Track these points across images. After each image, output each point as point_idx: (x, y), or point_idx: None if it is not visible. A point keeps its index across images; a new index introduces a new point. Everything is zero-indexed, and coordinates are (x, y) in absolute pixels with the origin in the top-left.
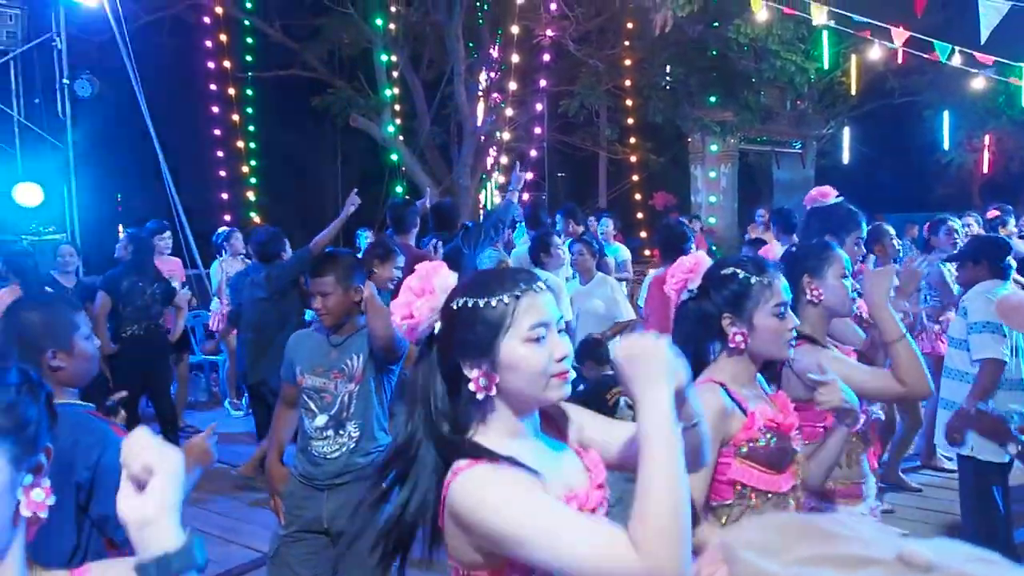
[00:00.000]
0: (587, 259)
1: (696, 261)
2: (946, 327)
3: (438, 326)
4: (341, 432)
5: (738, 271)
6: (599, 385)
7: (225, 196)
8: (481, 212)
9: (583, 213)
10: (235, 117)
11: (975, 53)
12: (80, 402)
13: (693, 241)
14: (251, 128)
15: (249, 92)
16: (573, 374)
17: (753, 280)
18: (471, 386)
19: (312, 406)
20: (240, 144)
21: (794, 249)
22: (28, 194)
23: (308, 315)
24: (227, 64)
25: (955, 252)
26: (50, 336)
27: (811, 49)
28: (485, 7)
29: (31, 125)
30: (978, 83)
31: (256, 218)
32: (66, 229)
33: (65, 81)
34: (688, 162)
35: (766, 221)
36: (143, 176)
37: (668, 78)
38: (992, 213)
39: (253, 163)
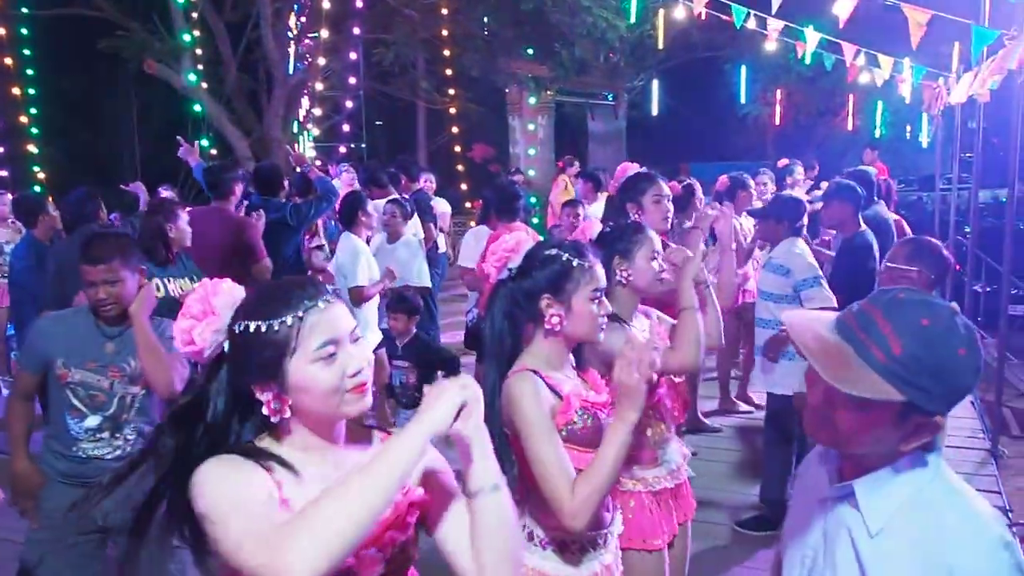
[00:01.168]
0: (397, 220)
1: (517, 240)
2: (744, 279)
3: (227, 346)
4: (117, 435)
5: (561, 253)
6: (428, 349)
7: (1, 150)
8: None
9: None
10: (7, 60)
11: (766, 18)
12: None
13: (522, 199)
14: (29, 72)
15: (24, 31)
16: (370, 386)
17: (575, 263)
18: (264, 410)
19: (79, 405)
20: (16, 90)
21: (607, 230)
22: None
23: None
24: None
25: (756, 208)
26: None
27: (621, 4)
28: None
29: None
30: (770, 45)
31: (39, 173)
32: None
33: None
34: (506, 113)
35: (565, 169)
36: None
37: (485, 30)
38: (783, 162)
39: (33, 111)
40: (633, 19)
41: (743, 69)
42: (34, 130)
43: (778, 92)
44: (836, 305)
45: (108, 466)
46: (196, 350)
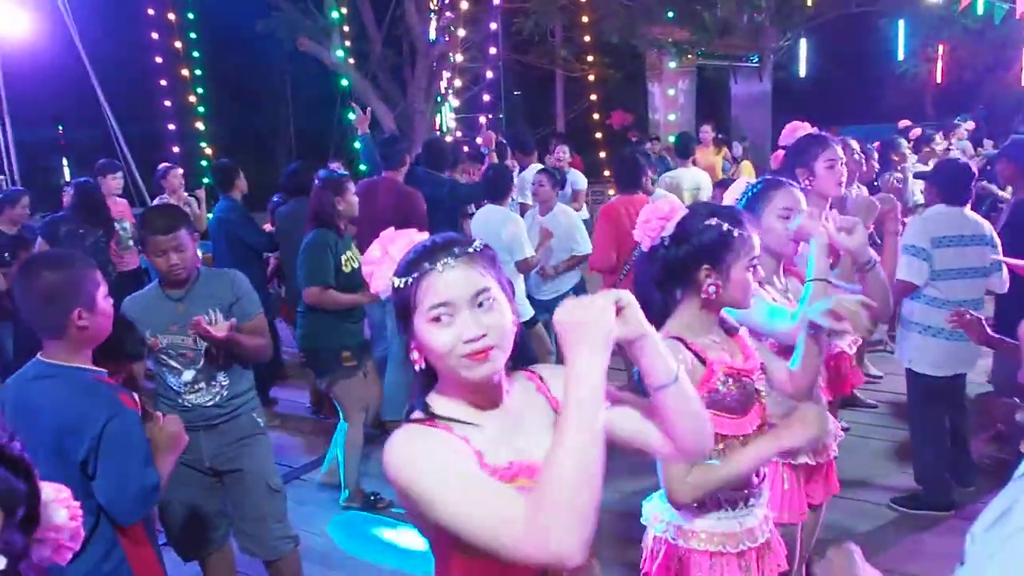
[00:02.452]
0: (547, 190)
1: (672, 207)
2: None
3: None
4: (213, 383)
5: (721, 222)
6: None
7: (172, 127)
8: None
9: (533, 139)
10: (177, 44)
11: None
12: (92, 367)
13: (648, 170)
14: (195, 54)
15: (190, 16)
16: (499, 352)
17: (735, 233)
18: (412, 355)
19: (174, 364)
20: (185, 72)
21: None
22: None
23: None
24: None
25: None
26: (76, 294)
27: None
28: None
29: None
30: None
31: (207, 149)
32: (3, 169)
33: None
34: (645, 79)
35: (713, 138)
36: (82, 110)
37: None
38: (903, 123)
39: (200, 91)
40: None
41: (900, 24)
42: (200, 109)
43: (940, 47)
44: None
45: (209, 412)
46: (375, 292)
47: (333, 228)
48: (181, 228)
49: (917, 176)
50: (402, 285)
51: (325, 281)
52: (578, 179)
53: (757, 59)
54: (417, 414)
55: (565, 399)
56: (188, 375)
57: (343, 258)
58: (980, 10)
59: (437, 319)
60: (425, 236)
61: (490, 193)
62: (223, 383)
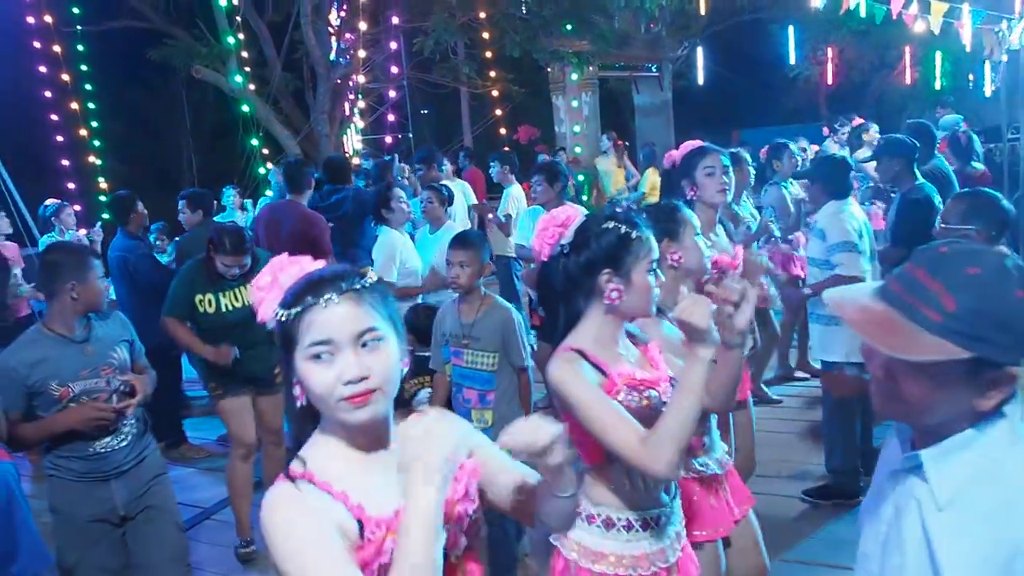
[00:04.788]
0: (435, 207)
1: (568, 215)
2: (795, 246)
3: None
4: (123, 426)
5: (618, 225)
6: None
7: (66, 163)
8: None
9: (443, 154)
10: (65, 76)
11: None
12: None
13: (566, 178)
14: (87, 87)
15: (80, 48)
16: (381, 396)
17: (633, 235)
18: (294, 391)
19: None
20: (75, 105)
21: (647, 213)
22: None
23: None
24: (48, 18)
25: (802, 170)
26: (73, 269)
27: None
28: None
29: None
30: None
31: (103, 183)
32: None
33: None
34: (549, 93)
35: (616, 144)
36: None
37: (523, 9)
38: (857, 121)
39: (94, 124)
40: None
41: (790, 29)
42: (96, 142)
43: (829, 50)
44: (864, 277)
45: (120, 458)
46: (261, 320)
47: (210, 269)
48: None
49: (798, 176)
50: (284, 318)
51: (172, 313)
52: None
53: (656, 69)
54: (296, 466)
55: (404, 524)
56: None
57: (199, 298)
58: (863, 12)
59: (317, 356)
60: (319, 265)
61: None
62: (131, 423)
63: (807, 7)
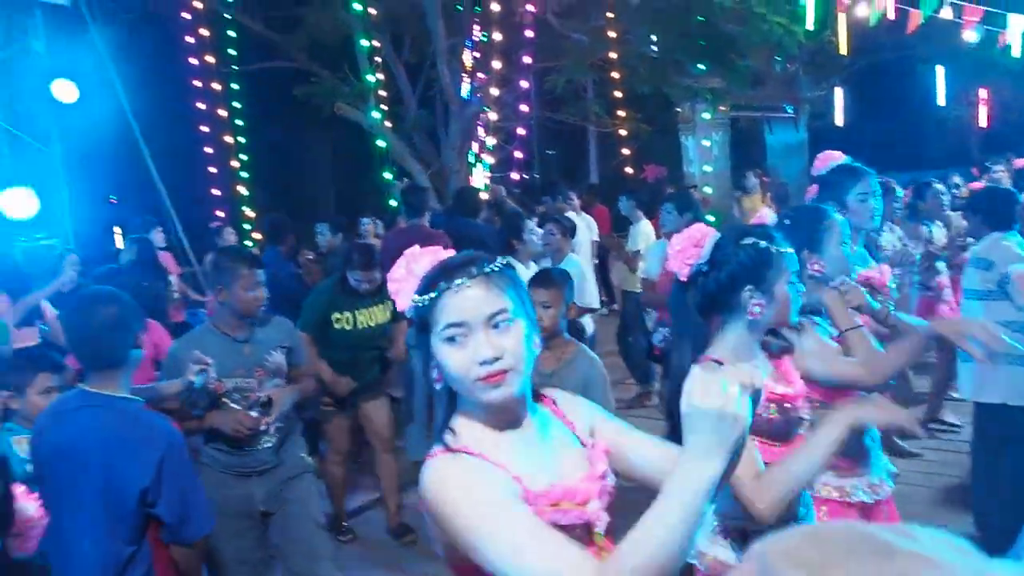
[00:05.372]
0: (558, 239)
1: (703, 233)
2: (939, 288)
3: None
4: (270, 427)
5: (757, 240)
6: None
7: (217, 192)
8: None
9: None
10: (222, 112)
11: (964, 5)
12: (131, 396)
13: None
14: (238, 122)
15: (234, 86)
16: (515, 375)
17: (773, 250)
18: (432, 374)
19: (237, 408)
20: (228, 139)
21: (787, 221)
22: (18, 201)
23: None
24: (210, 59)
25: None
26: (137, 322)
27: (797, 9)
28: None
29: (17, 132)
30: (970, 35)
31: (249, 212)
32: (61, 234)
33: (48, 86)
34: (678, 132)
35: (762, 181)
36: (133, 176)
37: (654, 48)
38: (1020, 162)
39: (243, 157)
40: (811, 25)
41: (939, 68)
42: (243, 174)
43: (981, 91)
44: None
45: (264, 456)
46: (400, 309)
47: (346, 287)
48: (262, 267)
49: (957, 209)
50: (421, 304)
51: (306, 329)
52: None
53: (792, 109)
54: (448, 438)
55: (672, 479)
56: (255, 415)
57: (336, 316)
58: (1016, 51)
59: (451, 339)
60: (450, 253)
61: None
62: (279, 426)
63: (957, 44)
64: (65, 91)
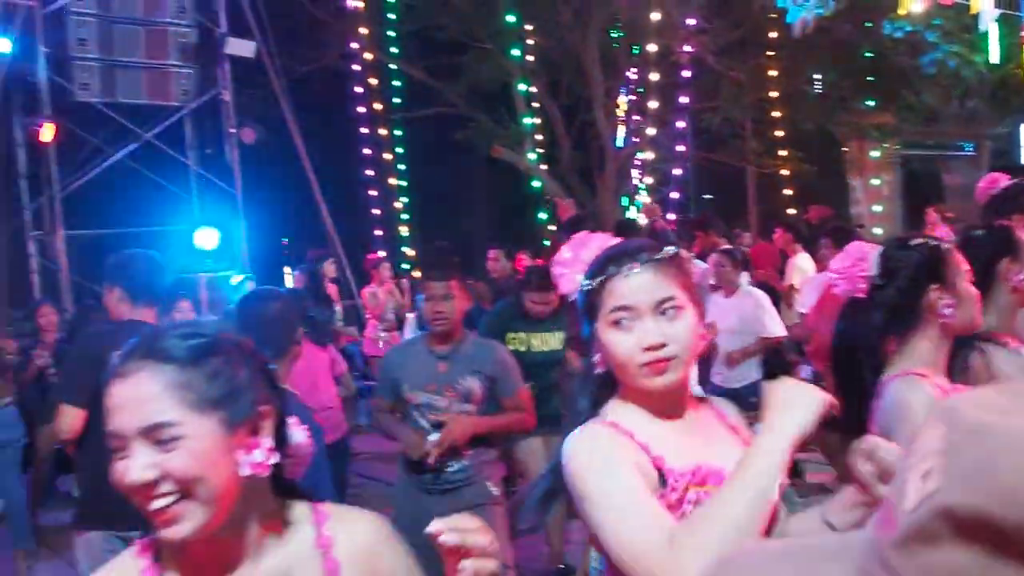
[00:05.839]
0: (728, 271)
1: (863, 249)
2: None
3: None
4: (456, 452)
5: (925, 240)
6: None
7: (379, 233)
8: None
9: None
10: (387, 156)
11: None
12: (287, 387)
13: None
14: (401, 166)
15: (398, 132)
16: (680, 363)
17: (943, 246)
18: (595, 359)
19: (423, 423)
20: (392, 182)
21: (978, 233)
22: (205, 237)
23: None
24: (377, 107)
25: None
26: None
27: (978, 40)
28: (617, 31)
29: (204, 173)
30: None
31: (409, 252)
32: (239, 267)
33: (232, 131)
34: (844, 173)
35: (943, 216)
36: (304, 215)
37: (818, 85)
38: None
39: (404, 200)
40: (996, 59)
41: None
42: (404, 216)
43: None
44: None
45: (449, 477)
46: (561, 293)
47: (522, 308)
48: (450, 279)
49: None
50: (589, 287)
51: None
52: None
53: (972, 147)
54: (599, 417)
55: (749, 449)
56: (435, 437)
57: (511, 335)
58: None
59: (617, 323)
60: (617, 241)
61: None
62: (467, 454)
63: None
64: (247, 136)
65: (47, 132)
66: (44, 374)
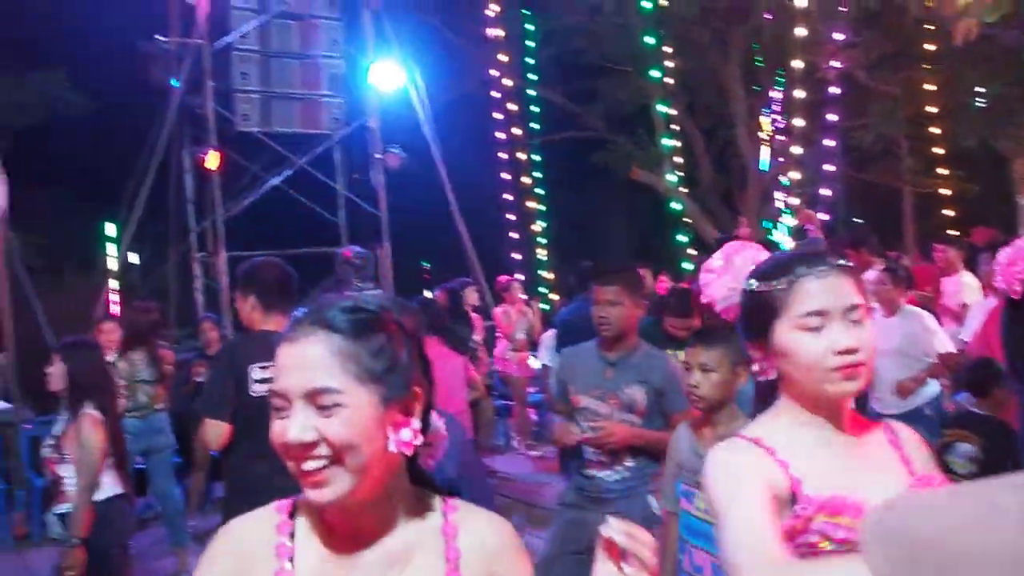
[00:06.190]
0: (889, 289)
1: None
2: None
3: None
4: (617, 462)
5: None
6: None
7: (518, 256)
8: None
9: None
10: (525, 180)
11: None
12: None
13: None
14: (538, 190)
15: (536, 157)
16: (867, 371)
17: None
18: (754, 367)
19: (583, 427)
20: (530, 205)
21: None
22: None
23: None
24: (516, 132)
25: None
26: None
27: None
28: (759, 47)
29: (352, 196)
30: None
31: (546, 275)
32: (383, 286)
33: (378, 156)
34: (1011, 192)
35: None
36: (445, 238)
37: (981, 98)
38: None
39: (542, 224)
40: None
41: None
42: (542, 239)
43: None
44: None
45: (609, 487)
46: (707, 300)
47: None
48: (618, 284)
49: None
50: (769, 288)
51: None
52: None
53: None
54: (745, 431)
55: None
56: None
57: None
58: None
59: (807, 325)
60: (764, 255)
61: None
62: (628, 464)
63: None
64: (392, 160)
65: (212, 160)
66: (201, 387)
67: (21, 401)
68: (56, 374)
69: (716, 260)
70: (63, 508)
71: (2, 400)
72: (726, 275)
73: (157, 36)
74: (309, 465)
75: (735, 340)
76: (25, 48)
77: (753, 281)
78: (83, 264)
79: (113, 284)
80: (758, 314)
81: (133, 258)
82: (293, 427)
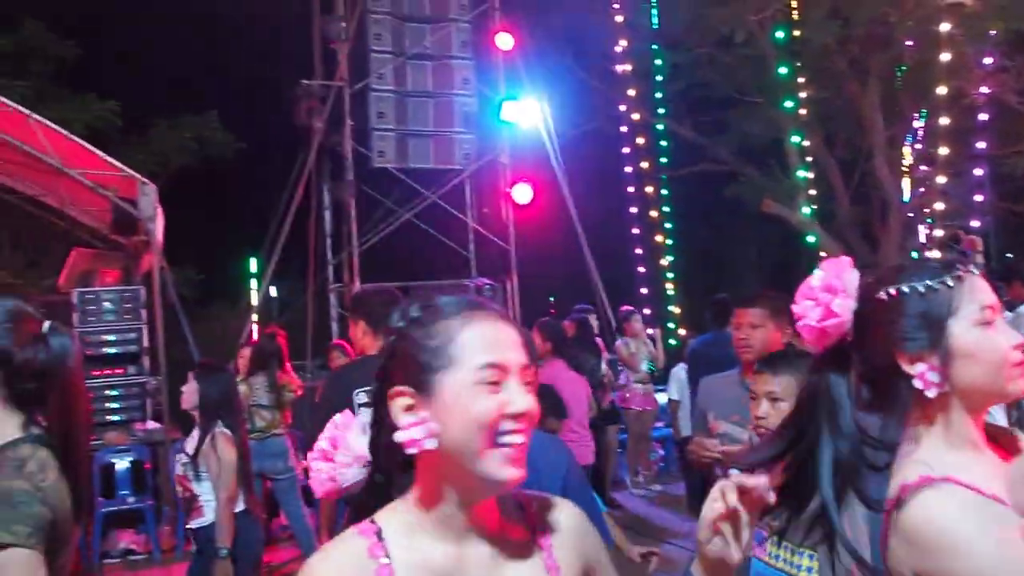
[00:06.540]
0: None
1: None
2: None
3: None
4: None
5: None
6: None
7: (645, 291)
8: None
9: None
10: (653, 214)
11: None
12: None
13: None
14: (667, 224)
15: (664, 191)
16: None
17: None
18: (916, 383)
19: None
20: (658, 239)
21: None
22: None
23: None
24: (644, 165)
25: None
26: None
27: None
28: (902, 73)
29: (481, 229)
30: None
31: (674, 309)
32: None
33: (507, 190)
34: None
35: None
36: (572, 272)
37: None
38: None
39: (670, 258)
40: None
41: None
42: (669, 274)
43: None
44: None
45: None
46: (834, 324)
47: None
48: (761, 307)
49: None
50: (938, 286)
51: None
52: None
53: None
54: (922, 469)
55: None
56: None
57: None
58: None
59: (985, 321)
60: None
61: None
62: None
63: None
64: (522, 194)
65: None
66: None
67: (171, 423)
68: (188, 393)
69: (819, 280)
70: (196, 523)
71: (154, 420)
72: (842, 293)
73: (301, 79)
74: (519, 439)
75: (802, 366)
76: (180, 92)
77: (914, 285)
78: (231, 296)
79: (255, 316)
80: (927, 317)
81: (273, 291)
82: (524, 398)
